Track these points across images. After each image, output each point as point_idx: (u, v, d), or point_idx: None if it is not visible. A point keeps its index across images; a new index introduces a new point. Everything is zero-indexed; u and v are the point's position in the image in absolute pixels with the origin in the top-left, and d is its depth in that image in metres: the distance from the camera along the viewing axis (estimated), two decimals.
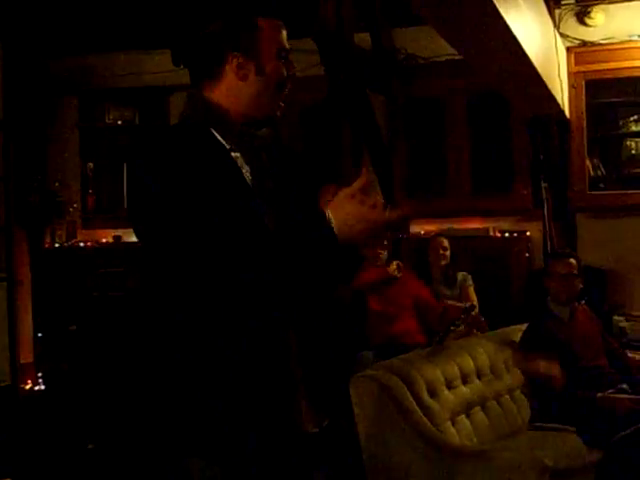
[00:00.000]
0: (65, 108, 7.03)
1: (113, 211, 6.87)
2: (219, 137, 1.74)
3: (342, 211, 1.61)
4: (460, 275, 5.45)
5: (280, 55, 1.77)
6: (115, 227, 6.72)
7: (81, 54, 6.73)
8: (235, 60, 1.74)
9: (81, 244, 6.89)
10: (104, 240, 6.91)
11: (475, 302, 5.24)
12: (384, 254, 5.12)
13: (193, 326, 1.69)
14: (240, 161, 1.74)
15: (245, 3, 1.78)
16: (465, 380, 3.71)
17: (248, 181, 1.73)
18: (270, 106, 1.80)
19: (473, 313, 4.67)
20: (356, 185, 1.62)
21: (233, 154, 1.74)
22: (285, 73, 1.79)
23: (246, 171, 1.74)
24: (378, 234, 1.69)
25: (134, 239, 1.76)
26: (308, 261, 1.63)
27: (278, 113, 1.82)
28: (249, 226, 1.64)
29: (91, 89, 6.90)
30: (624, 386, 3.86)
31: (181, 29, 1.83)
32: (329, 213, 1.61)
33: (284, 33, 1.79)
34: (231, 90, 1.76)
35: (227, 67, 1.75)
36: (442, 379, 3.53)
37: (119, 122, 7.00)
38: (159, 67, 5.95)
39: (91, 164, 7.01)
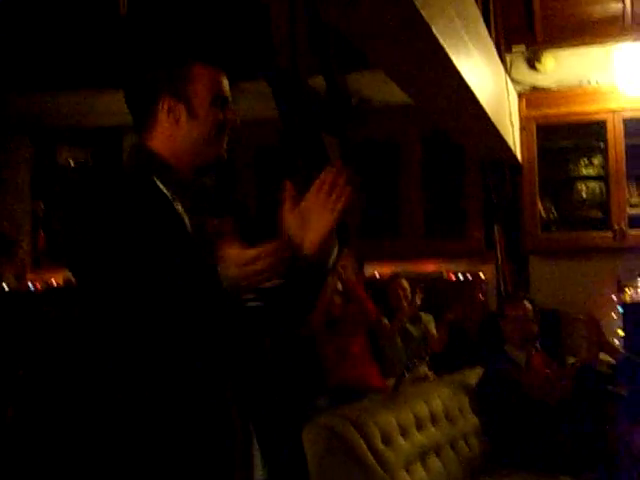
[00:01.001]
0: (16, 147, 6.93)
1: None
2: (161, 186, 1.74)
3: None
4: (423, 315, 5.43)
5: (216, 101, 1.77)
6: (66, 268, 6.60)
7: (33, 93, 6.64)
8: (166, 104, 1.75)
9: (30, 286, 6.76)
10: (54, 281, 6.79)
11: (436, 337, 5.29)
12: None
13: (126, 377, 1.67)
14: (181, 210, 1.74)
15: (182, 49, 1.79)
16: (420, 426, 3.66)
17: (189, 230, 1.73)
18: (208, 151, 1.79)
19: None
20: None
21: (175, 204, 1.73)
22: (222, 117, 1.78)
23: (187, 220, 1.74)
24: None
25: None
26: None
27: (221, 158, 1.81)
28: (188, 274, 1.61)
29: (43, 129, 6.82)
30: None
31: (125, 73, 1.82)
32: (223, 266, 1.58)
33: (224, 81, 1.80)
34: (166, 135, 1.76)
35: (159, 111, 1.75)
36: (396, 426, 3.48)
37: (72, 162, 6.92)
38: (112, 107, 5.87)
39: (42, 204, 6.92)
